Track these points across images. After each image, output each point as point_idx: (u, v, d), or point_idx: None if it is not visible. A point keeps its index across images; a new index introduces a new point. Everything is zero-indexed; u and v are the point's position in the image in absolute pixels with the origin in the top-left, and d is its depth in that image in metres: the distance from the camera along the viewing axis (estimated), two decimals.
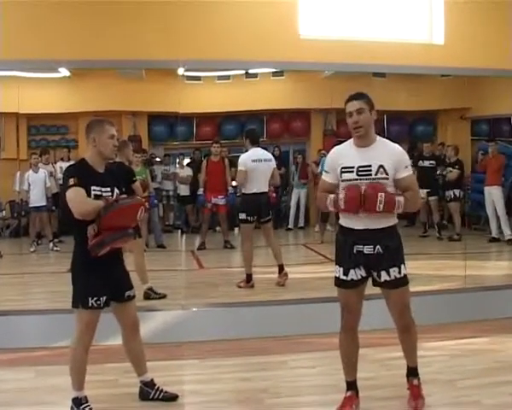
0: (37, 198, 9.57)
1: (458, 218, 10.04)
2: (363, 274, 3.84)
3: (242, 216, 7.15)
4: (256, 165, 7.07)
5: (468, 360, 4.95)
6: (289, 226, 11.70)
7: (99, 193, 3.79)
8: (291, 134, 12.34)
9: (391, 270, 3.78)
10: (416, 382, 4.03)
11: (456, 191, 10.04)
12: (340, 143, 4.01)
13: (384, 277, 3.79)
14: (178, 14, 5.97)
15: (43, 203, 9.62)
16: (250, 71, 10.46)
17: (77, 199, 3.69)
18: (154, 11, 5.93)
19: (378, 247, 3.76)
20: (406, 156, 3.88)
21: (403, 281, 3.83)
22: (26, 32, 5.74)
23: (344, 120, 3.91)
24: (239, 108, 11.46)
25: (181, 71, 7.36)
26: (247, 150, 7.29)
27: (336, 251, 3.93)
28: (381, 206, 3.65)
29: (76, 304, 3.81)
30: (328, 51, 6.30)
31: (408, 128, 11.74)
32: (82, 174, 3.76)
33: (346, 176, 3.79)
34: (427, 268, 7.51)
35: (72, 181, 3.70)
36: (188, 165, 11.79)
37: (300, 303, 6.10)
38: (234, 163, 10.86)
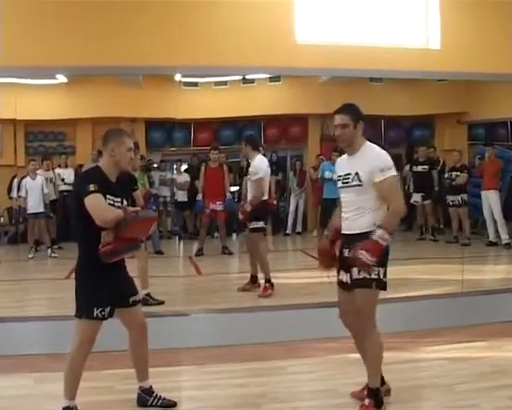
0: (34, 205, 9.54)
1: (467, 222, 10.04)
2: (349, 281, 3.88)
3: (260, 224, 6.92)
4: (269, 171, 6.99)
5: (466, 365, 4.95)
6: (287, 232, 11.71)
7: (112, 202, 3.77)
8: (288, 140, 12.35)
9: (352, 269, 3.80)
10: (367, 402, 3.85)
11: (464, 196, 10.00)
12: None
13: (346, 278, 3.89)
14: (175, 21, 5.99)
15: (41, 210, 9.59)
16: (247, 76, 10.49)
17: (99, 206, 3.66)
18: (152, 18, 5.94)
19: (353, 251, 3.77)
20: (382, 160, 3.78)
21: (360, 283, 3.77)
22: (25, 38, 5.74)
23: None
24: (236, 114, 11.45)
25: (178, 77, 7.38)
26: (249, 157, 7.06)
27: None
28: (369, 258, 3.62)
29: (80, 314, 3.76)
30: (325, 56, 6.31)
31: (405, 133, 11.77)
32: (99, 181, 3.73)
33: (338, 184, 3.97)
34: (423, 272, 7.51)
35: (92, 187, 3.65)
36: (185, 171, 11.81)
37: (298, 309, 6.10)
38: (232, 169, 10.94)
